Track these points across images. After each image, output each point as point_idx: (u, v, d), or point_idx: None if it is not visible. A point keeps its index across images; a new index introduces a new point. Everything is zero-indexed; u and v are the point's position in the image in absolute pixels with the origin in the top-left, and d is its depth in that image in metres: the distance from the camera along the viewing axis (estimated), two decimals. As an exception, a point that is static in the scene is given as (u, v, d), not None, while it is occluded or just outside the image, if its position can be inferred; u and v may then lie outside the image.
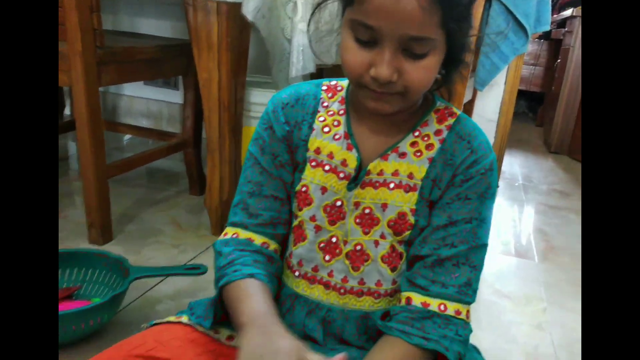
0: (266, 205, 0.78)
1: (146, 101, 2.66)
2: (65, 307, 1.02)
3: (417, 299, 0.72)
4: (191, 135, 1.79)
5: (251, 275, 0.71)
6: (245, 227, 0.77)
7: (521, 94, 4.02)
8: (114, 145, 2.37)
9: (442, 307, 0.71)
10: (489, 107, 2.25)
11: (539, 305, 1.37)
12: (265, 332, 0.63)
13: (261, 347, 0.61)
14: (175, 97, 2.61)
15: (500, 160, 2.30)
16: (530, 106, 4.40)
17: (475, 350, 0.81)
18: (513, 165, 2.76)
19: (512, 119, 2.27)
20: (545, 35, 3.78)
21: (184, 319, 0.81)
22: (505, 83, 2.20)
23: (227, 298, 0.72)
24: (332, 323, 0.78)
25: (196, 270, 1.15)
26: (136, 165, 1.56)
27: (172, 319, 0.82)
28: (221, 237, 0.78)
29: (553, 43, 3.80)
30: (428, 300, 0.71)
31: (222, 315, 0.76)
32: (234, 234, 0.77)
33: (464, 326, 0.72)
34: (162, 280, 1.28)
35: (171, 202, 1.79)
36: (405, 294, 0.73)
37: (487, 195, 0.73)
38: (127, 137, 2.55)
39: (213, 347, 0.77)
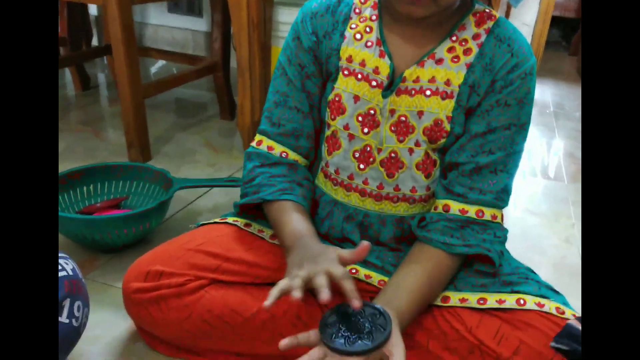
0: (289, 117, 0.80)
1: (171, 29, 2.65)
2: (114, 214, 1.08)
3: (455, 207, 0.74)
4: (220, 58, 1.78)
5: (273, 199, 0.77)
6: (268, 135, 0.81)
7: (555, 21, 3.85)
8: (143, 73, 2.39)
9: (480, 214, 0.74)
10: (523, 28, 2.17)
11: (567, 222, 1.39)
12: (307, 246, 0.69)
13: (304, 254, 0.67)
14: (199, 24, 2.58)
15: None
16: (564, 35, 4.22)
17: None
18: (545, 93, 2.70)
19: (545, 47, 2.19)
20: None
21: (229, 219, 0.86)
22: (539, 4, 2.11)
23: (268, 214, 0.78)
24: (369, 227, 0.81)
25: (235, 182, 1.19)
26: (170, 86, 1.58)
27: (217, 220, 0.87)
28: (252, 143, 0.83)
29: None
30: (466, 207, 0.74)
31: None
32: (259, 141, 0.82)
33: (501, 228, 0.76)
34: (201, 195, 1.34)
35: (203, 125, 1.83)
36: (442, 201, 0.76)
37: (526, 100, 0.73)
38: (155, 65, 2.55)
39: (259, 244, 0.82)
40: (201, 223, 0.88)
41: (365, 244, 0.64)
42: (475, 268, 0.76)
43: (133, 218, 1.01)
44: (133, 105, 1.40)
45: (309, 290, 0.83)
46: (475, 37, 0.73)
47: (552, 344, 0.64)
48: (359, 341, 0.60)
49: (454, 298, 0.74)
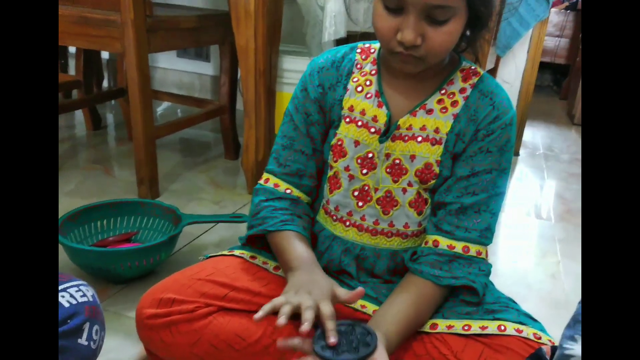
0: (294, 158, 0.89)
1: (179, 73, 2.78)
2: (127, 247, 1.15)
3: (444, 242, 0.83)
4: (227, 102, 1.89)
5: (275, 230, 0.84)
6: (275, 174, 0.91)
7: (546, 67, 4.02)
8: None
9: (465, 249, 0.82)
10: (510, 75, 2.30)
11: (553, 259, 1.46)
12: (308, 271, 0.77)
13: (303, 280, 0.75)
14: (206, 68, 2.72)
15: (521, 129, 2.35)
16: (555, 79, 4.39)
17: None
18: (535, 136, 2.81)
19: (534, 92, 2.31)
20: (572, 6, 3.75)
21: (236, 252, 0.94)
22: (528, 52, 2.25)
23: (271, 241, 0.86)
24: (365, 260, 0.89)
25: (240, 218, 1.27)
26: (180, 128, 1.68)
27: (225, 252, 0.95)
28: (260, 181, 0.92)
29: (579, 14, 3.77)
30: (453, 243, 0.82)
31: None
32: (266, 179, 0.91)
33: (485, 262, 0.84)
34: (207, 230, 1.41)
35: (209, 164, 1.92)
36: (432, 237, 0.84)
37: (506, 148, 0.82)
38: (161, 106, 2.67)
39: (262, 275, 0.90)
40: (210, 255, 0.95)
41: (360, 290, 0.72)
42: (461, 298, 0.83)
43: (145, 251, 1.08)
44: (145, 145, 1.49)
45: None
46: (462, 90, 0.83)
47: None
48: (346, 353, 0.67)
49: (442, 325, 0.81)
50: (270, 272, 0.90)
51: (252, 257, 0.92)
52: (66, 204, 1.28)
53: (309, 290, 0.72)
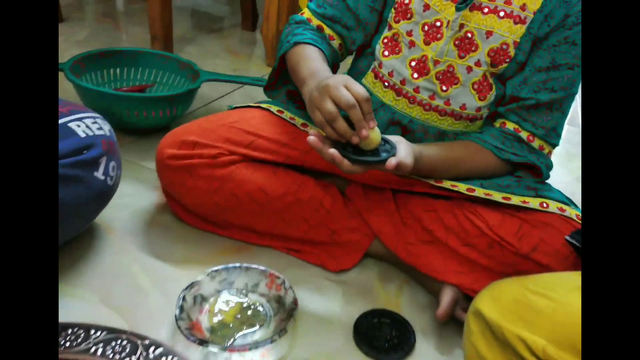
0: (333, 2, 0.81)
1: None
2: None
3: (511, 125, 0.77)
4: (248, -35, 1.73)
5: (307, 42, 0.77)
6: (312, 11, 0.83)
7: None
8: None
9: (530, 138, 0.77)
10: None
11: (579, 163, 1.41)
12: (323, 74, 0.70)
13: (317, 82, 0.67)
14: None
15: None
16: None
17: None
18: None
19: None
20: None
21: (263, 105, 0.87)
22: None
23: (289, 61, 0.79)
24: (411, 133, 0.82)
25: (262, 81, 1.19)
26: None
27: (252, 104, 0.88)
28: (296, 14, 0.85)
29: None
30: (520, 128, 0.77)
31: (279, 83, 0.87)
32: (302, 12, 0.84)
33: (546, 157, 0.78)
34: (223, 96, 1.34)
35: (225, 33, 1.80)
36: (499, 120, 0.79)
37: None
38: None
39: (290, 129, 0.84)
40: (235, 106, 0.89)
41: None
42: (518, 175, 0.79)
43: (161, 100, 1.02)
44: (160, -3, 1.37)
45: (334, 181, 0.86)
46: None
47: (567, 237, 0.67)
48: (368, 155, 0.65)
49: (479, 191, 0.76)
50: (298, 127, 0.84)
51: (279, 111, 0.85)
52: (75, 52, 1.19)
53: (331, 78, 0.65)
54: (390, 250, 0.81)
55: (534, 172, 0.79)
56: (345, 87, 0.62)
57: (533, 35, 0.74)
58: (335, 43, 0.82)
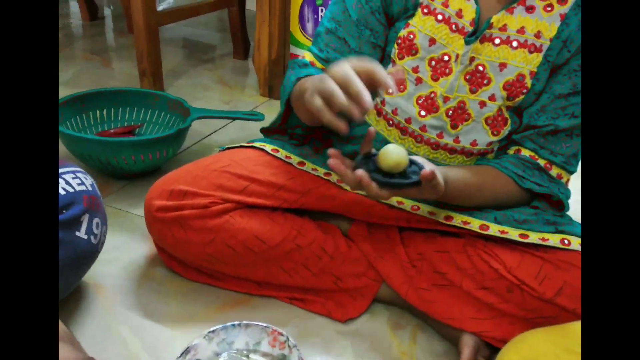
0: (335, 46, 0.76)
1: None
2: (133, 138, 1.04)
3: (527, 152, 0.73)
4: (237, -8, 1.70)
5: (307, 74, 0.70)
6: (317, 57, 0.77)
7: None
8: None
9: (547, 166, 0.72)
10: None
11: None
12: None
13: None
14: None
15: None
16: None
17: None
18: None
19: None
20: None
21: (256, 144, 0.82)
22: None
23: (294, 98, 0.72)
24: None
25: (254, 116, 1.15)
26: (185, 16, 1.51)
27: (244, 144, 0.83)
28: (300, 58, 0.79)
29: None
30: (537, 156, 0.72)
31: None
32: (304, 56, 0.78)
33: (565, 187, 0.74)
34: (217, 130, 1.29)
35: (216, 63, 1.76)
36: (513, 147, 0.74)
37: None
38: (163, 1, 2.45)
39: (286, 169, 0.78)
40: (226, 147, 0.84)
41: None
42: (534, 207, 0.74)
43: (151, 143, 0.97)
44: (147, 32, 1.33)
45: (336, 222, 0.80)
46: None
47: None
48: (397, 179, 0.61)
49: (494, 228, 0.71)
50: (294, 166, 0.78)
51: (274, 149, 0.80)
52: (62, 94, 1.15)
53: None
54: (401, 296, 0.76)
55: (552, 203, 0.74)
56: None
57: (552, 64, 0.69)
58: None
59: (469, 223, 0.72)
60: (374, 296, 0.78)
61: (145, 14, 1.31)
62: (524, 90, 0.70)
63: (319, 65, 0.76)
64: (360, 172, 0.58)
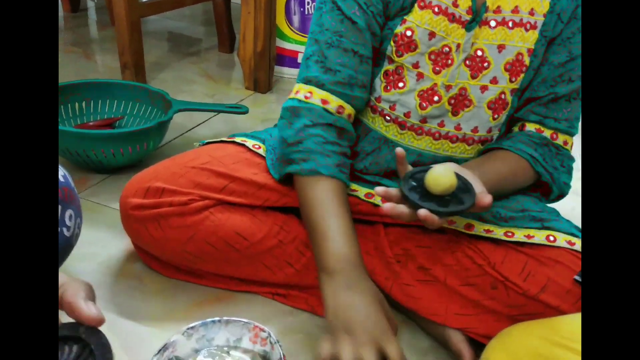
0: (344, 61, 0.68)
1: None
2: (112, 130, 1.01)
3: (532, 126, 0.73)
4: (222, -15, 1.67)
5: (319, 172, 0.66)
6: (321, 85, 0.68)
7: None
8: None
9: (554, 136, 0.73)
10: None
11: (576, 174, 1.36)
12: (351, 285, 0.60)
13: (352, 314, 0.58)
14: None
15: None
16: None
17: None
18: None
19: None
20: None
21: (237, 139, 0.80)
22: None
23: (299, 191, 0.68)
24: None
25: (239, 109, 1.13)
26: (168, 8, 1.48)
27: (225, 139, 0.81)
28: (293, 95, 0.70)
29: None
30: (542, 127, 0.73)
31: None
32: (308, 92, 0.69)
33: (569, 157, 0.75)
34: (200, 124, 1.27)
35: (201, 57, 1.73)
36: (518, 124, 0.75)
37: None
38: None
39: (267, 167, 0.76)
40: (206, 142, 0.82)
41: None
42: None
43: (131, 135, 0.94)
44: (129, 24, 1.30)
45: None
46: None
47: (576, 277, 0.61)
48: (453, 204, 0.60)
49: (479, 227, 0.70)
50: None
51: (255, 145, 0.78)
52: (39, 85, 1.13)
53: (366, 331, 0.56)
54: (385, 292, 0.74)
55: (547, 191, 0.75)
56: (377, 349, 0.55)
57: (548, 39, 0.69)
58: (345, 114, 0.70)
59: (454, 222, 0.71)
60: (358, 291, 0.77)
61: (127, 5, 1.28)
62: (523, 69, 0.70)
63: (333, 102, 0.68)
64: (424, 212, 0.57)
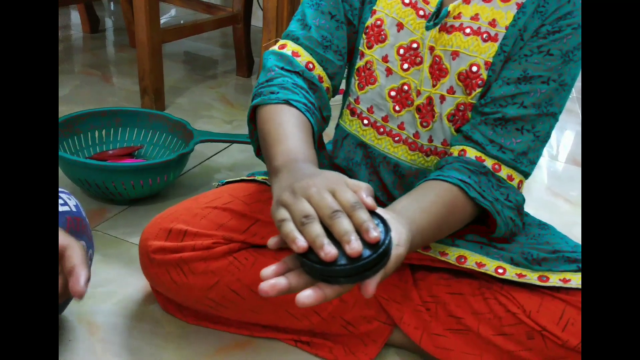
0: (320, 22, 0.68)
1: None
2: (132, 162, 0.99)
3: (472, 153, 0.65)
4: (241, 9, 1.66)
5: (287, 102, 0.61)
6: (296, 38, 0.68)
7: None
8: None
9: (496, 167, 0.65)
10: None
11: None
12: (298, 178, 0.50)
13: (294, 179, 0.50)
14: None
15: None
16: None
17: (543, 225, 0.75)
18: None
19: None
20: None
21: (258, 177, 0.78)
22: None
23: (260, 122, 0.62)
24: (402, 178, 0.73)
25: (259, 140, 1.10)
26: (189, 34, 1.48)
27: (245, 177, 0.79)
28: (274, 47, 0.69)
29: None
30: (483, 156, 0.65)
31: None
32: (282, 45, 0.68)
33: (516, 193, 0.66)
34: (220, 151, 1.25)
35: (219, 81, 1.72)
36: (459, 147, 0.66)
37: (573, 56, 0.63)
38: (166, 14, 2.42)
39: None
40: (226, 181, 0.80)
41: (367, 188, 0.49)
42: (470, 227, 0.67)
43: (151, 169, 0.93)
44: (150, 49, 1.29)
45: None
46: None
47: None
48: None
49: (510, 271, 0.66)
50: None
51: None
52: (60, 111, 1.11)
53: (314, 183, 0.47)
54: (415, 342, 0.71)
55: (492, 222, 0.66)
56: (331, 192, 0.46)
57: (507, 54, 0.64)
58: (315, 72, 0.68)
59: (484, 265, 0.68)
60: (386, 341, 0.74)
61: (149, 31, 1.27)
62: (480, 82, 0.65)
63: (304, 56, 0.67)
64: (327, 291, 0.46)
